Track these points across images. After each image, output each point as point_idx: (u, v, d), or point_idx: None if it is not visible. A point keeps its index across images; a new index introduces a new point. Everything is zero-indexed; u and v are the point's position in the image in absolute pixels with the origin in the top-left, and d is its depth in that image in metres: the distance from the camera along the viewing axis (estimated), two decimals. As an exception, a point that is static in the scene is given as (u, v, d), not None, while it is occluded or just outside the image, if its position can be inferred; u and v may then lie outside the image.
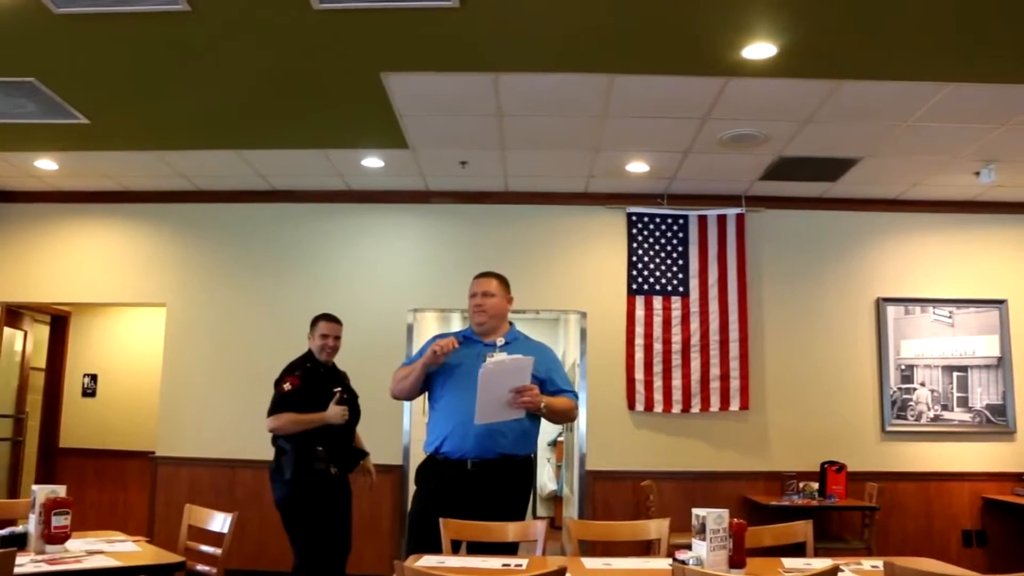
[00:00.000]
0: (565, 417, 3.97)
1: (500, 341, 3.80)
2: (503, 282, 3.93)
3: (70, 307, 8.09)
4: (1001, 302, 6.74)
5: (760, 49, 4.24)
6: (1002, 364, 6.67)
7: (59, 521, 3.10)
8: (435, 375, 3.78)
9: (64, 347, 8.25)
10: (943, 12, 3.84)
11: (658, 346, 6.63)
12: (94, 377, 8.22)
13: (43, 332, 8.16)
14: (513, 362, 3.58)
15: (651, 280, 6.72)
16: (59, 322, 8.23)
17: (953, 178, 6.27)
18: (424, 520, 3.52)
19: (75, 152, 6.04)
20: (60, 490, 3.17)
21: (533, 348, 3.84)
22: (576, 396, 3.91)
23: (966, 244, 6.86)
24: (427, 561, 2.98)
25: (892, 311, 6.75)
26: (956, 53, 4.27)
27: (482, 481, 3.62)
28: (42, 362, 8.18)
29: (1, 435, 7.82)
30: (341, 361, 6.71)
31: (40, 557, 2.97)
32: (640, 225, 6.78)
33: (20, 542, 3.07)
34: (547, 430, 10.02)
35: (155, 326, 7.38)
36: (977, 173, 6.08)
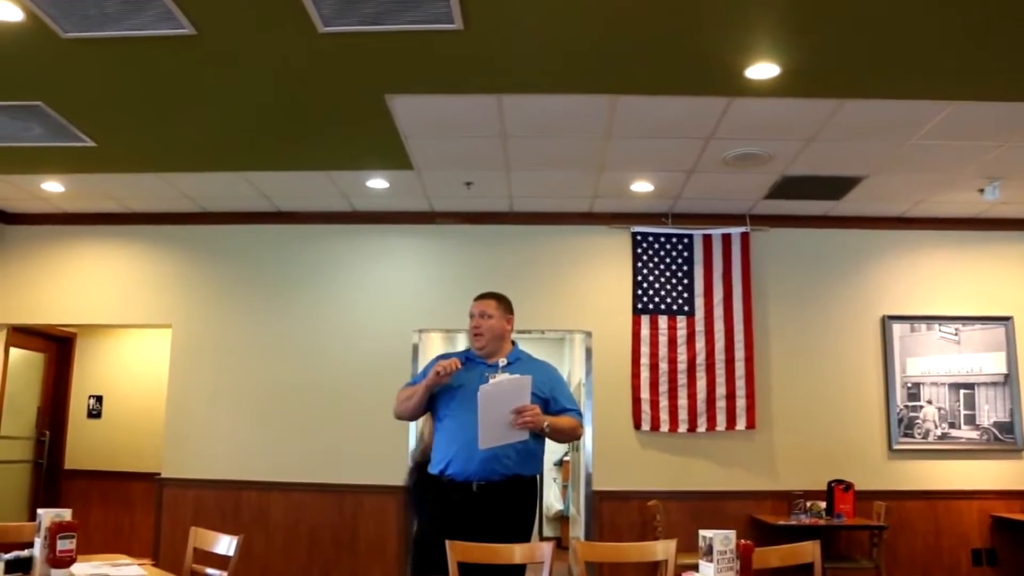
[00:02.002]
0: (570, 436, 3.95)
1: (503, 361, 3.79)
2: (502, 303, 3.91)
3: (76, 328, 8.11)
4: (1007, 319, 6.72)
5: (763, 69, 4.26)
6: (1009, 381, 6.64)
7: (64, 545, 3.08)
8: (438, 396, 3.77)
9: (70, 369, 8.26)
10: (947, 31, 3.86)
11: (664, 365, 6.61)
12: (99, 398, 8.23)
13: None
14: (511, 382, 3.57)
15: (656, 299, 6.71)
16: (64, 344, 8.25)
17: (957, 196, 6.27)
18: (430, 542, 3.51)
19: (81, 175, 6.08)
20: (65, 513, 3.15)
21: (536, 367, 3.83)
22: (580, 415, 3.88)
23: (972, 261, 6.85)
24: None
25: (898, 329, 6.74)
26: (960, 72, 4.28)
27: (488, 503, 3.60)
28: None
29: (16, 457, 7.79)
30: (347, 382, 6.75)
31: (45, 582, 2.97)
32: (645, 244, 6.79)
33: (25, 566, 3.05)
34: (554, 449, 10.00)
35: (161, 347, 7.39)
36: (981, 190, 6.07)
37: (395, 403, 3.90)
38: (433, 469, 3.73)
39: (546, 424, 3.61)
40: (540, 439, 3.74)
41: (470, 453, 3.58)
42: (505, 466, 3.62)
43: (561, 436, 3.85)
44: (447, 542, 3.27)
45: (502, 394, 3.53)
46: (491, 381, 3.59)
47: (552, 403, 3.75)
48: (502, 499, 3.63)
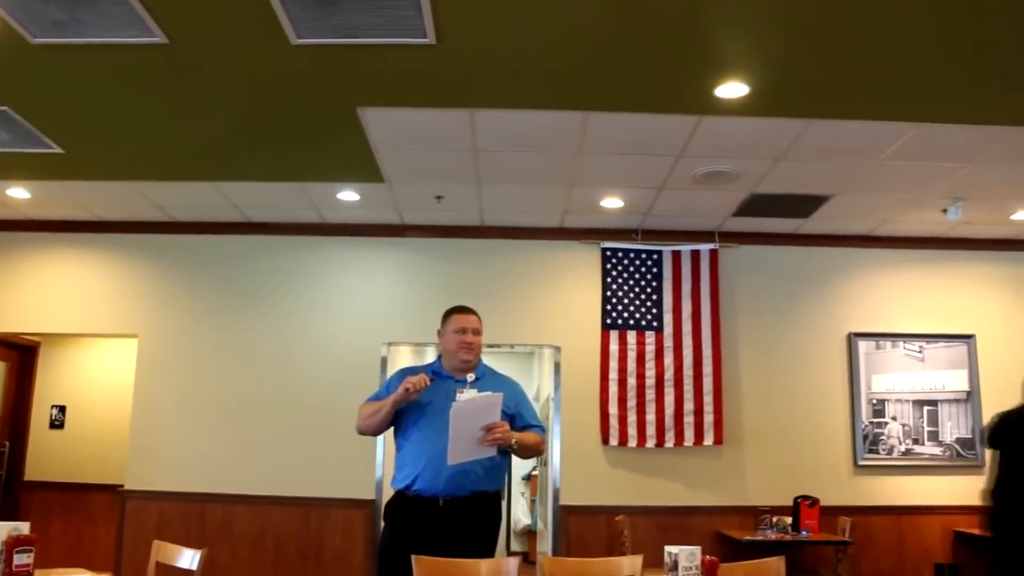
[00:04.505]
0: (534, 452, 3.97)
1: (470, 377, 3.78)
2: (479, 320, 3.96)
3: (39, 337, 7.99)
4: (969, 337, 6.83)
5: (733, 88, 4.31)
6: (971, 398, 6.74)
7: (21, 559, 3.03)
8: (404, 411, 3.75)
9: (32, 378, 8.14)
10: (912, 55, 3.93)
11: (632, 380, 6.64)
12: (62, 408, 8.11)
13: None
14: (483, 399, 3.58)
15: (625, 315, 6.74)
16: (28, 352, 8.12)
17: (922, 215, 6.37)
18: (394, 558, 3.49)
19: (48, 181, 6.00)
20: (23, 527, 3.10)
21: (501, 383, 3.84)
22: (544, 430, 3.91)
23: (935, 280, 6.96)
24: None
25: (863, 346, 6.82)
26: (924, 94, 4.36)
27: (453, 518, 3.60)
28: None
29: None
30: (315, 394, 6.69)
31: (1, 597, 2.92)
32: (615, 260, 6.82)
33: (-20, 581, 3.00)
34: (522, 464, 9.97)
35: (126, 357, 7.30)
36: (945, 210, 6.18)
37: (358, 418, 3.86)
38: (398, 484, 3.72)
39: (514, 441, 3.63)
40: (506, 454, 3.75)
41: (438, 469, 3.58)
42: (472, 481, 3.62)
43: (527, 452, 3.87)
44: (412, 557, 3.27)
45: (473, 411, 3.54)
46: (462, 398, 3.60)
47: (518, 419, 3.76)
48: (468, 514, 3.63)
